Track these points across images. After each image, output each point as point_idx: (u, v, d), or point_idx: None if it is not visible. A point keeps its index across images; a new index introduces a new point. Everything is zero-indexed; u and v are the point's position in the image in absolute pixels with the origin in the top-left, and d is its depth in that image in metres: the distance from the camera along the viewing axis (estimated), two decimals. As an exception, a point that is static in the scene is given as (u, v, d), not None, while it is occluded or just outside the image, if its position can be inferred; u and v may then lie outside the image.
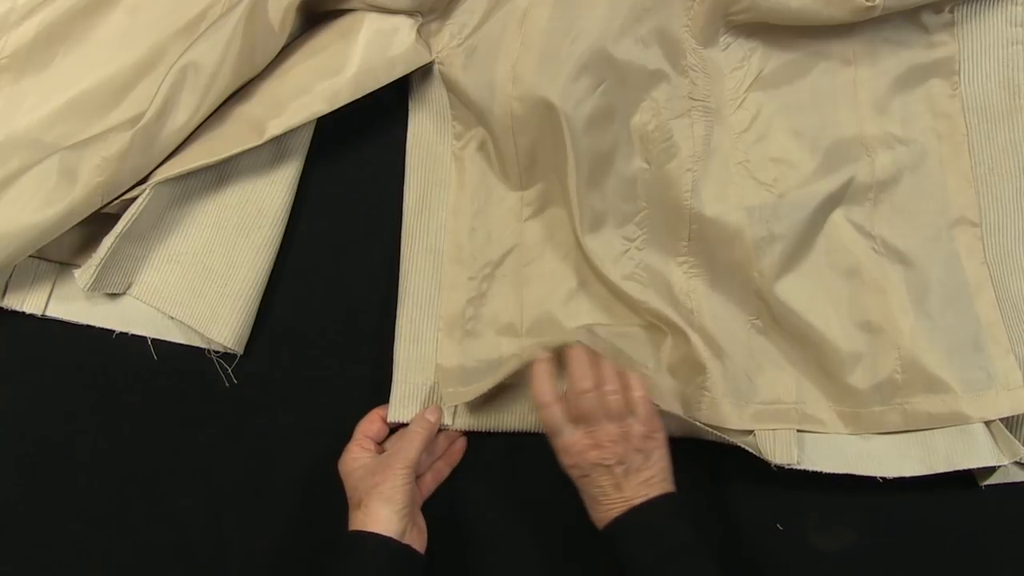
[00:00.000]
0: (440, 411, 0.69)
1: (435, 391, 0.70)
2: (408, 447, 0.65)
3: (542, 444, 0.70)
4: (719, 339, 0.69)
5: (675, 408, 0.66)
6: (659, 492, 0.61)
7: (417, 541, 0.64)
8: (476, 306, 0.72)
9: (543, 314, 0.71)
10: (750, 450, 0.67)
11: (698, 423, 0.67)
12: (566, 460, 0.63)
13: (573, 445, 0.62)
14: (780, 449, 0.67)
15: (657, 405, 0.64)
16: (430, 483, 0.69)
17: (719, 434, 0.66)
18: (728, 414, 0.68)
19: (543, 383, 0.64)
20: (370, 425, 0.69)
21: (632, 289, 0.69)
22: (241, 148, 0.67)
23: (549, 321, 0.71)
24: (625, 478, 0.61)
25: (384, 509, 0.62)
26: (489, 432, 0.70)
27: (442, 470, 0.70)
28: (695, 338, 0.68)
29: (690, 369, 0.69)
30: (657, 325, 0.70)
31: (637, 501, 0.60)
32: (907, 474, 0.67)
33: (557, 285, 0.72)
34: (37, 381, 0.72)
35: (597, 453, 0.61)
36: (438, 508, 0.69)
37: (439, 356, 0.71)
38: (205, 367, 0.72)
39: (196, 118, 0.67)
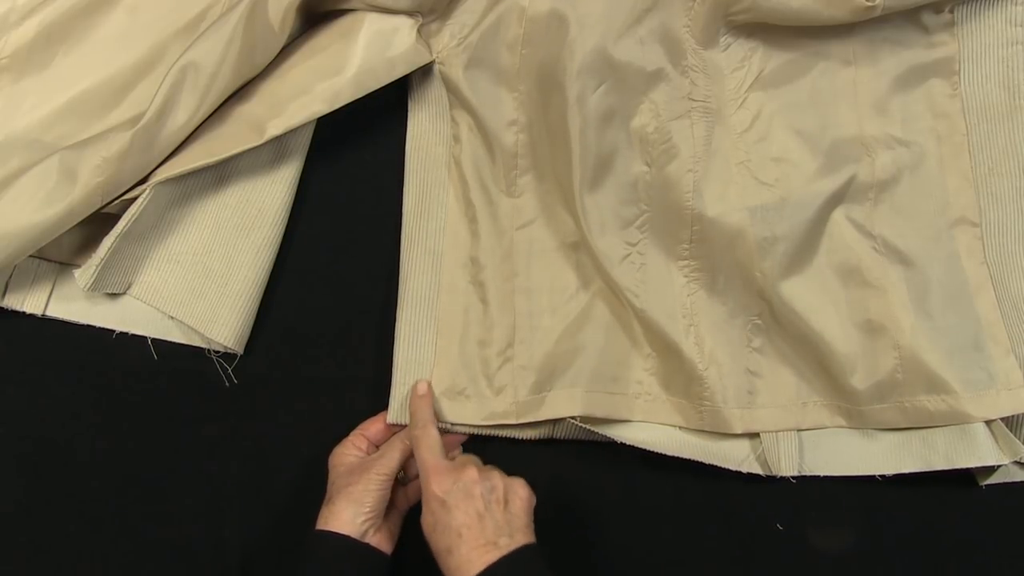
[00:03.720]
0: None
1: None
2: (391, 457, 0.65)
3: (536, 450, 0.70)
4: (717, 350, 0.69)
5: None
6: (522, 541, 0.59)
7: (382, 546, 0.63)
8: (473, 312, 0.72)
9: (533, 327, 0.71)
10: (752, 471, 0.68)
11: (705, 430, 0.68)
12: (438, 484, 0.61)
13: (445, 469, 0.62)
14: (783, 456, 0.68)
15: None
16: (420, 489, 0.69)
17: (719, 463, 0.67)
18: (730, 420, 0.68)
19: (424, 407, 0.66)
20: (371, 425, 0.69)
21: (632, 299, 0.69)
22: (241, 148, 0.67)
23: (540, 335, 0.70)
24: (487, 511, 0.60)
25: (348, 509, 0.62)
26: (486, 436, 0.70)
27: None
28: (692, 352, 0.68)
29: (687, 380, 0.69)
30: (646, 337, 0.70)
31: (504, 551, 0.58)
32: (907, 471, 0.67)
33: (549, 295, 0.71)
34: (37, 381, 0.72)
35: (469, 474, 0.61)
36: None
37: (436, 361, 0.71)
38: (205, 367, 0.72)
39: (196, 118, 0.67)
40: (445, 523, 0.60)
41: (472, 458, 0.65)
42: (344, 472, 0.65)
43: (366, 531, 0.62)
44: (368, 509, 0.62)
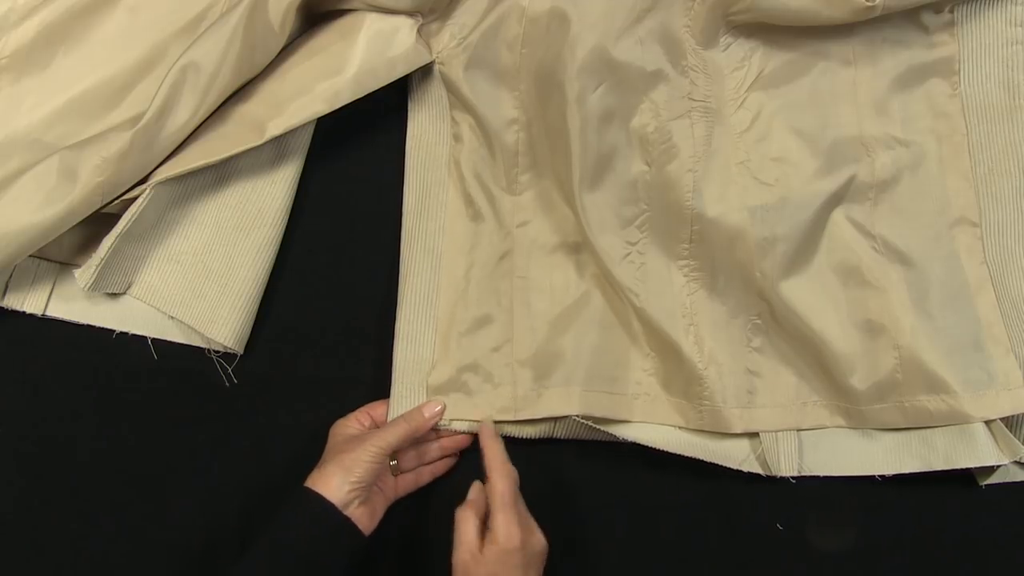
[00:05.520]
0: (440, 409, 0.68)
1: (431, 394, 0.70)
2: (389, 432, 0.64)
3: (537, 449, 0.70)
4: (717, 350, 0.69)
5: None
6: None
7: (363, 521, 0.63)
8: (472, 311, 0.72)
9: (532, 325, 0.71)
10: (752, 470, 0.68)
11: (704, 430, 0.68)
12: (507, 536, 0.60)
13: (518, 523, 0.61)
14: (783, 456, 0.68)
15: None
16: (410, 483, 0.69)
17: (720, 461, 0.67)
18: (730, 419, 0.68)
19: (496, 446, 0.65)
20: (378, 406, 0.69)
21: (632, 298, 0.69)
22: (241, 148, 0.67)
23: (538, 332, 0.70)
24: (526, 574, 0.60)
25: (337, 476, 0.62)
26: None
27: (424, 475, 0.70)
28: (692, 352, 0.68)
29: (686, 381, 0.69)
30: (646, 337, 0.70)
31: None
32: (906, 471, 0.67)
33: (548, 293, 0.71)
34: (37, 381, 0.72)
35: (539, 540, 0.61)
36: (419, 510, 0.69)
37: (435, 360, 0.71)
38: (205, 367, 0.72)
39: (196, 118, 0.67)
40: (492, 573, 0.60)
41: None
42: (341, 441, 0.65)
43: (351, 501, 0.62)
44: (356, 479, 0.62)
